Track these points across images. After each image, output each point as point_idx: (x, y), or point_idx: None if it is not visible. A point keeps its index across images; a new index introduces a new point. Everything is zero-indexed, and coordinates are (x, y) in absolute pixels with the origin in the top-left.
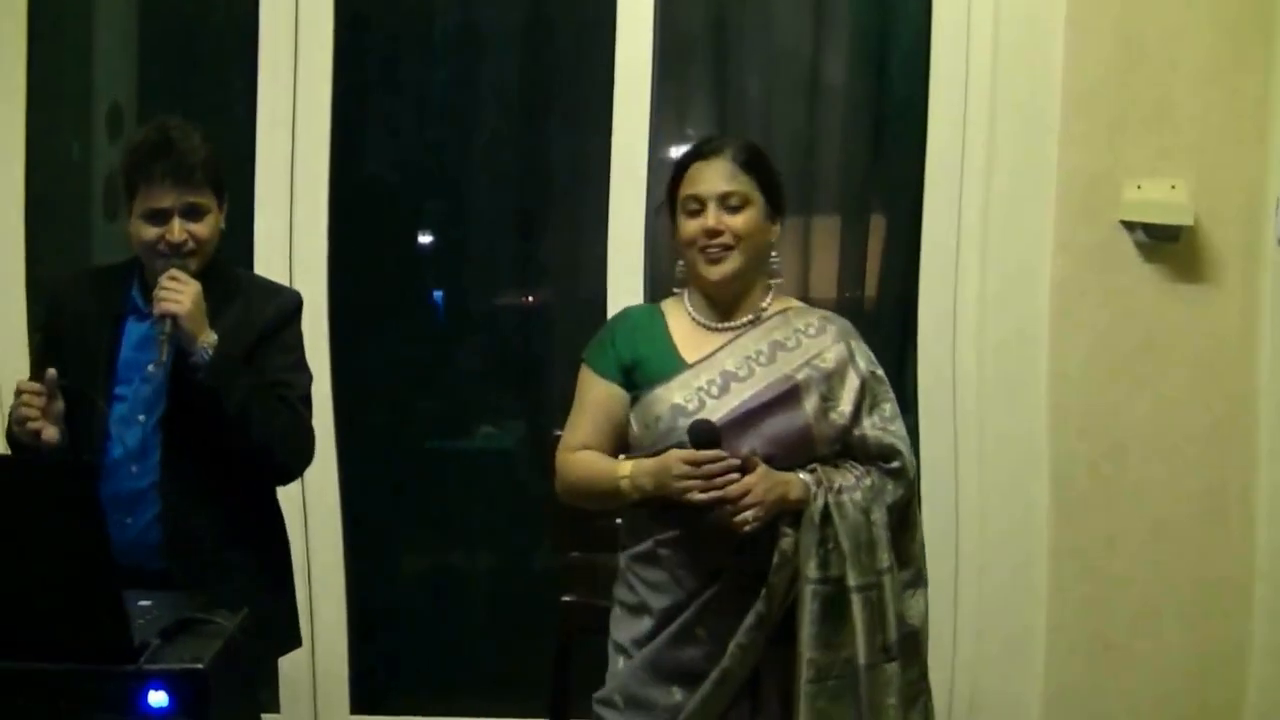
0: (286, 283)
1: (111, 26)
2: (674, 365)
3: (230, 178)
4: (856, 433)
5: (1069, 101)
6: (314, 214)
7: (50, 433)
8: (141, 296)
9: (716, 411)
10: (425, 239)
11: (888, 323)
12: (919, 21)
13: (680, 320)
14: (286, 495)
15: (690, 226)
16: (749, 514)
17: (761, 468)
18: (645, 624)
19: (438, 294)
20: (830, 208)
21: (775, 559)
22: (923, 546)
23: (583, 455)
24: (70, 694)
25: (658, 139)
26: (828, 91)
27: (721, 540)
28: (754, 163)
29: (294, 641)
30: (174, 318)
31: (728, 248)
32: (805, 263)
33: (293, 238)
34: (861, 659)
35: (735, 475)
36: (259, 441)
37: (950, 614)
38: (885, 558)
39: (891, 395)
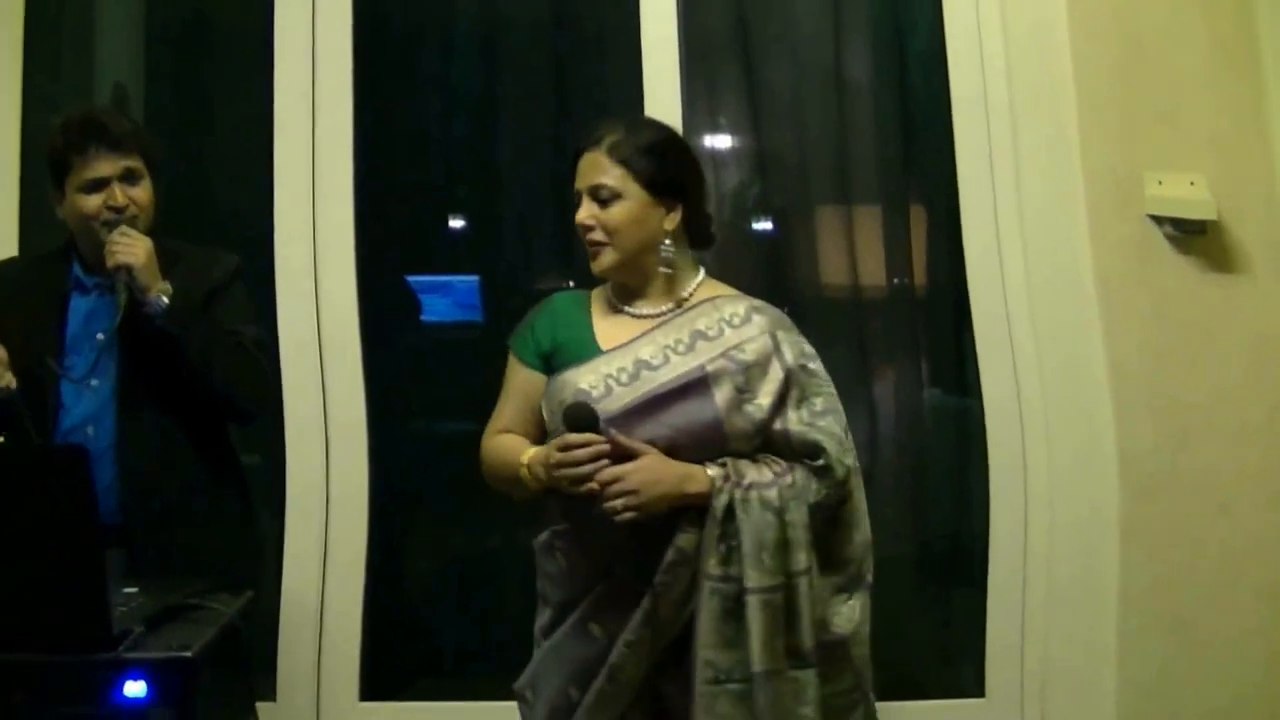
0: (312, 273)
1: (116, 2)
2: (590, 351)
3: (246, 161)
4: (777, 427)
5: (1083, 99)
6: (339, 196)
7: (9, 379)
8: (83, 272)
9: (623, 399)
10: (458, 223)
11: (940, 310)
12: (933, 20)
13: (603, 307)
14: (309, 482)
15: (578, 218)
16: (618, 503)
17: (649, 457)
18: (546, 615)
19: (474, 279)
20: (869, 199)
21: (669, 555)
22: (865, 548)
23: (500, 439)
24: (46, 685)
25: (692, 133)
26: (853, 87)
27: (612, 533)
28: (631, 155)
29: (249, 584)
30: (129, 269)
31: (602, 243)
32: (850, 252)
33: (316, 222)
34: (756, 665)
35: (605, 462)
36: (221, 383)
37: (1019, 602)
38: (802, 558)
39: (824, 388)
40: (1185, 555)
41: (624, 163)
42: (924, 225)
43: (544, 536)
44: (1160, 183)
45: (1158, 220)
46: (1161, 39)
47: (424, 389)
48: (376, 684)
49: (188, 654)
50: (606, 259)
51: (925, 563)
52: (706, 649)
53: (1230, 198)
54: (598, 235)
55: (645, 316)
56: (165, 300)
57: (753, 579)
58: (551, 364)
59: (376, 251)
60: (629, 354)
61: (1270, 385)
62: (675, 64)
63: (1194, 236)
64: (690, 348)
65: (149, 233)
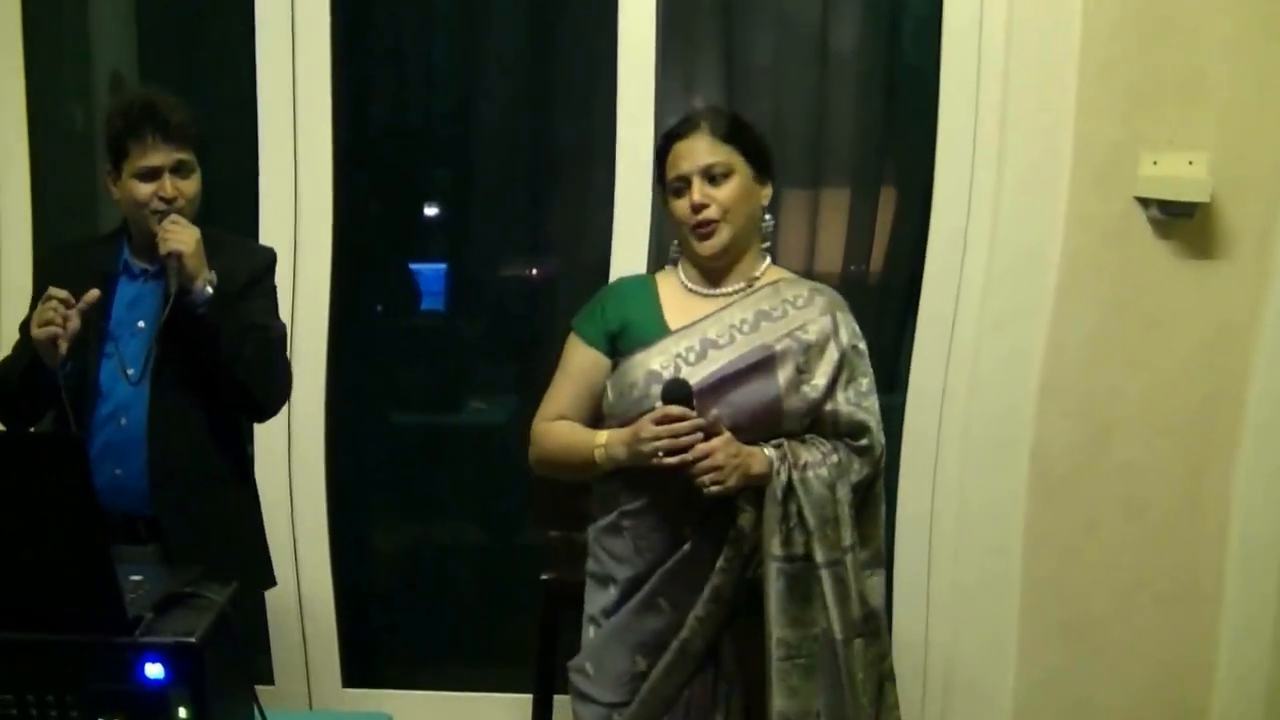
0: (292, 251)
1: None
2: (657, 331)
3: (234, 144)
4: (828, 407)
5: (1086, 71)
6: (318, 184)
7: (64, 347)
8: (132, 257)
9: (691, 378)
10: (431, 210)
11: (892, 298)
12: None
13: (672, 288)
14: (270, 466)
15: (679, 206)
16: (709, 477)
17: (726, 436)
18: (610, 594)
19: (442, 266)
20: (840, 180)
21: (731, 534)
22: (884, 527)
23: (559, 425)
24: (67, 665)
25: (664, 108)
26: (837, 60)
27: (684, 510)
28: (733, 131)
29: (270, 580)
30: (179, 256)
31: (715, 221)
32: (811, 235)
33: (298, 206)
34: (838, 633)
35: (701, 436)
36: (245, 377)
37: (923, 595)
38: (848, 535)
39: (869, 370)
40: (1091, 557)
41: (729, 140)
42: (892, 209)
43: (610, 518)
44: (1155, 163)
45: (1144, 203)
46: (1184, 11)
47: (387, 378)
48: (358, 671)
49: (193, 639)
50: (722, 237)
51: None
52: (779, 628)
53: (1231, 180)
54: (713, 213)
55: (714, 295)
56: (210, 290)
57: (821, 554)
58: (617, 345)
59: (353, 237)
60: (696, 333)
61: (1208, 377)
62: (652, 35)
63: (1178, 220)
64: (755, 327)
65: (194, 222)
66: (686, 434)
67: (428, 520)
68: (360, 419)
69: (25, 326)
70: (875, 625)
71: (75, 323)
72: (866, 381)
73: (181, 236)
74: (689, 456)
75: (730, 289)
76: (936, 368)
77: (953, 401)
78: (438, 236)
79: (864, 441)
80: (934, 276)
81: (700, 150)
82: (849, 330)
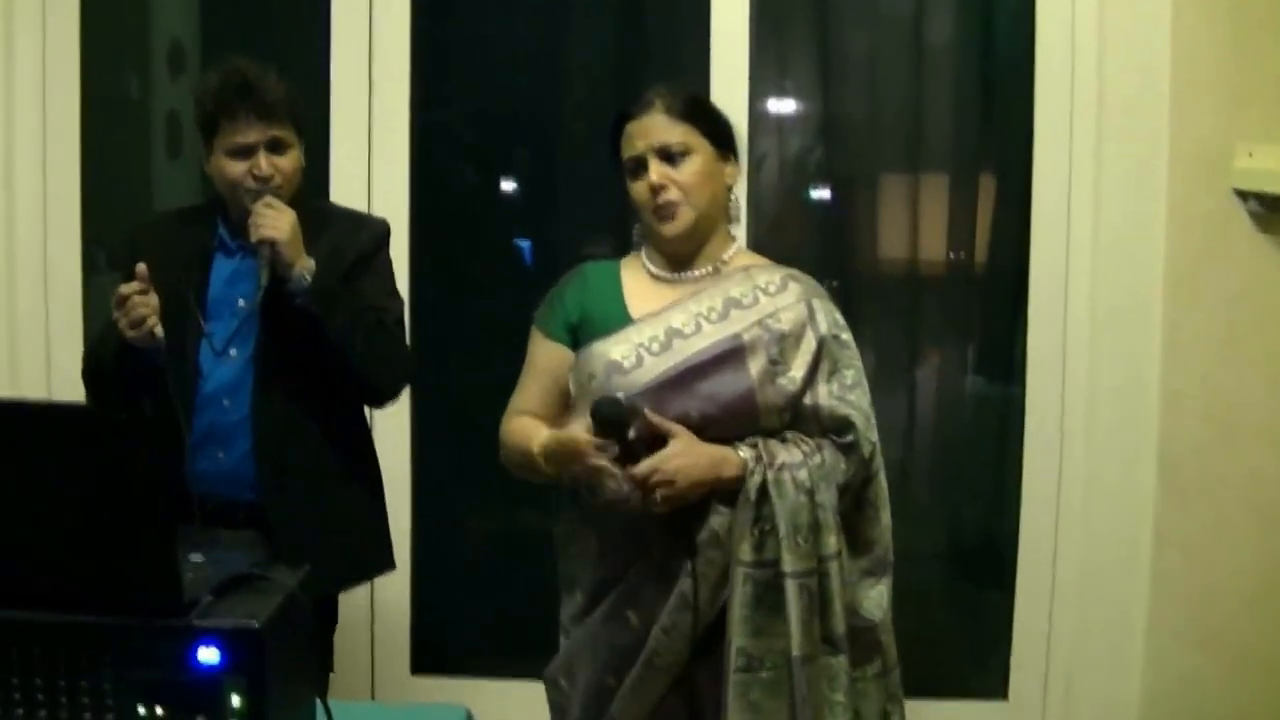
0: None
1: None
2: (619, 321)
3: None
4: (808, 401)
5: (1179, 63)
6: (394, 163)
7: (158, 328)
8: (228, 233)
9: (654, 370)
10: (509, 186)
11: (997, 287)
12: None
13: (636, 276)
14: None
15: (638, 188)
16: (657, 495)
17: (681, 440)
18: (577, 599)
19: (525, 244)
20: (938, 167)
21: (702, 536)
22: (889, 530)
23: (520, 422)
24: (120, 648)
25: (758, 95)
26: (932, 51)
27: (642, 518)
28: (690, 109)
29: (388, 563)
30: (273, 243)
31: (676, 203)
32: (913, 223)
33: (371, 186)
34: (795, 650)
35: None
36: (359, 364)
37: (1048, 597)
38: (832, 542)
39: (855, 362)
40: (1221, 562)
41: (686, 119)
42: (992, 197)
43: (572, 516)
44: (1250, 154)
45: (1243, 195)
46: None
47: (466, 360)
48: (428, 658)
49: (255, 624)
50: (684, 219)
51: (954, 558)
52: (739, 637)
53: None
54: (673, 195)
55: (680, 281)
56: (308, 279)
57: (789, 563)
58: (578, 336)
59: (429, 215)
60: (660, 323)
61: None
62: (745, 20)
63: (1277, 215)
64: (724, 316)
65: (294, 199)
66: (609, 467)
67: (507, 504)
68: (442, 403)
69: (116, 303)
70: (872, 639)
71: (154, 298)
72: (852, 374)
73: (275, 222)
74: (631, 479)
75: (698, 273)
76: (1053, 361)
77: (1073, 399)
78: (520, 218)
79: (849, 438)
80: (1040, 265)
81: (655, 129)
82: (828, 319)
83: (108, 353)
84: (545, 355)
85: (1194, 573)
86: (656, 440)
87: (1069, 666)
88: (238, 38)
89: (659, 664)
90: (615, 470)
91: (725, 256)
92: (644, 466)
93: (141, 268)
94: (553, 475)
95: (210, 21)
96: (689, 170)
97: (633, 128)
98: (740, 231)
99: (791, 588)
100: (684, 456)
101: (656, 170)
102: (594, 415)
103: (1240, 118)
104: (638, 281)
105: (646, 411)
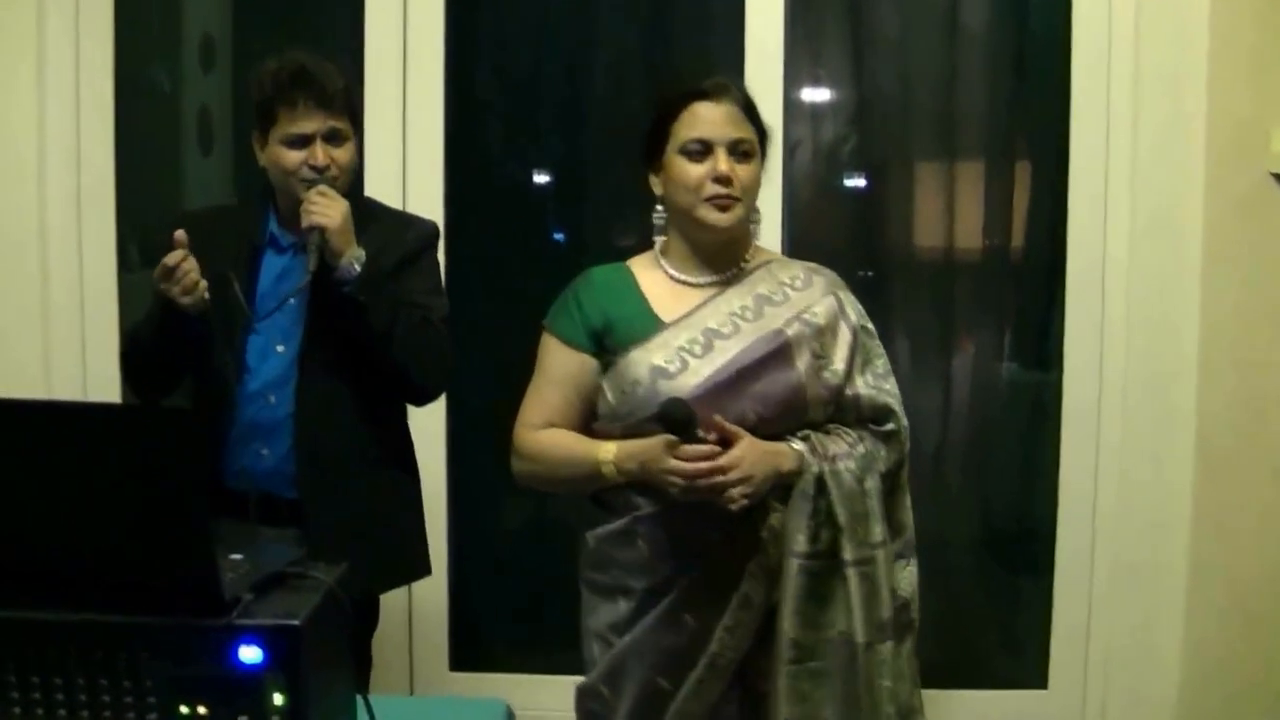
0: None
1: None
2: (651, 325)
3: None
4: (849, 392)
5: (1216, 46)
6: (429, 164)
7: (201, 284)
8: (279, 228)
9: (700, 372)
10: (543, 179)
11: (1033, 273)
12: None
13: (653, 277)
14: None
15: (695, 171)
16: (735, 492)
17: (747, 440)
18: (621, 608)
19: (558, 235)
20: (973, 153)
21: (764, 535)
22: (910, 513)
23: (552, 434)
24: (161, 647)
25: (792, 82)
26: (967, 32)
27: (707, 517)
28: (754, 112)
29: (424, 569)
30: (323, 230)
31: (735, 198)
32: (949, 210)
33: (405, 187)
34: (859, 637)
35: (721, 463)
36: (401, 360)
37: (1086, 584)
38: (878, 531)
39: (882, 350)
40: (1259, 539)
41: (752, 119)
42: (1027, 181)
43: (619, 525)
44: None
45: (1278, 177)
46: None
47: (500, 352)
48: (468, 653)
49: (295, 622)
50: (735, 215)
51: (990, 546)
52: (792, 629)
53: None
54: (736, 190)
55: (702, 285)
56: (357, 268)
57: (849, 551)
58: (604, 343)
59: (462, 207)
60: (696, 324)
61: None
62: (780, 7)
63: None
64: (758, 314)
65: (347, 193)
66: (705, 464)
67: (543, 501)
68: (478, 397)
69: (162, 275)
70: (907, 619)
71: (194, 264)
72: (882, 363)
73: (327, 210)
74: (716, 483)
75: (720, 275)
76: (1091, 344)
77: (1110, 380)
78: (551, 208)
79: (889, 426)
80: (1076, 250)
81: (732, 121)
82: (855, 310)
83: (150, 330)
84: (565, 363)
85: (1232, 558)
86: (721, 442)
87: (1107, 654)
88: (269, 33)
89: (721, 663)
90: (701, 467)
91: (746, 256)
92: (723, 463)
93: (180, 234)
94: (586, 489)
95: (242, 16)
96: (752, 172)
97: (705, 110)
98: (772, 232)
99: (854, 576)
100: (753, 453)
101: (726, 162)
102: (663, 418)
103: (1278, 100)
104: (657, 284)
105: (717, 418)
